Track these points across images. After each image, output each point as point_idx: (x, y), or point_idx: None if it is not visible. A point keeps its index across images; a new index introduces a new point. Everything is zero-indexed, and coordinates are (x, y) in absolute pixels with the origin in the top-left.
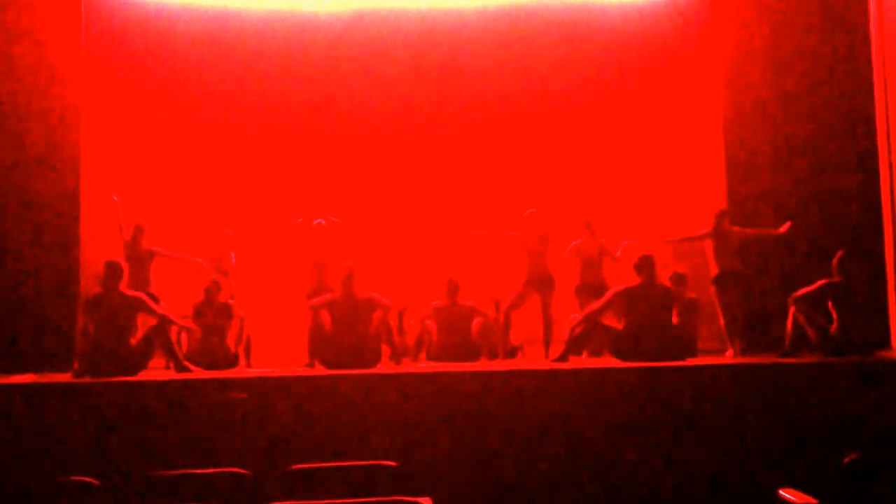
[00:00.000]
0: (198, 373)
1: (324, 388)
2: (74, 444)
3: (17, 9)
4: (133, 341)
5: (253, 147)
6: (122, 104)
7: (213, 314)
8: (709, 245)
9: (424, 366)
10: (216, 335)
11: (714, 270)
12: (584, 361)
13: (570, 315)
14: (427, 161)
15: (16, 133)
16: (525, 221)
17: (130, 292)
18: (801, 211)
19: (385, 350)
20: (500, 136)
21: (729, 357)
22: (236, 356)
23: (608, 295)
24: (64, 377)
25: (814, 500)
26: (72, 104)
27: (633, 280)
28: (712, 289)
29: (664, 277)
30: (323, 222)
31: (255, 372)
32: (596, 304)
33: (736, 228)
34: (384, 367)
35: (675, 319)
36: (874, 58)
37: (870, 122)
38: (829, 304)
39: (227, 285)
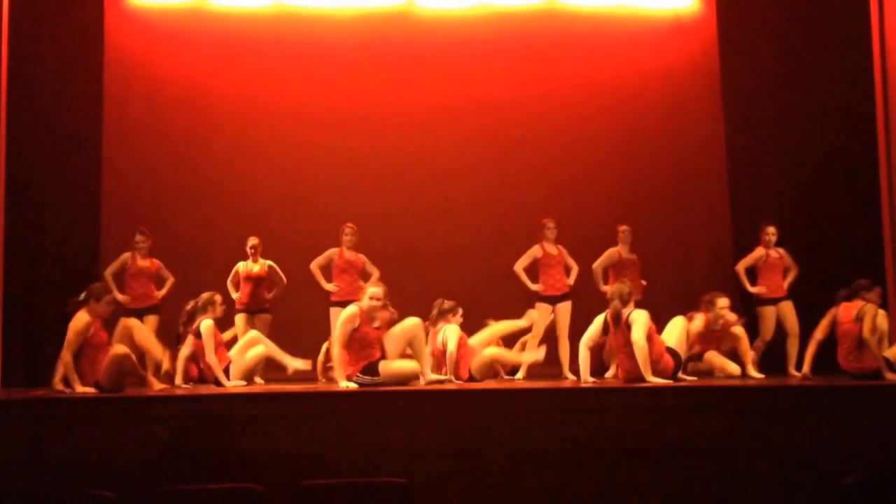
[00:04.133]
0: (209, 388)
1: (336, 404)
2: (90, 457)
3: (39, 28)
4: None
5: (267, 155)
6: (142, 119)
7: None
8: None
9: (437, 384)
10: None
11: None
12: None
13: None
14: (432, 170)
15: (32, 149)
16: (539, 233)
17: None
18: (802, 232)
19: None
20: (504, 147)
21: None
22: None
23: None
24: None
25: None
26: (94, 114)
27: None
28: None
29: None
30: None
31: (267, 388)
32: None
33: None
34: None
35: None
36: (877, 78)
37: (872, 143)
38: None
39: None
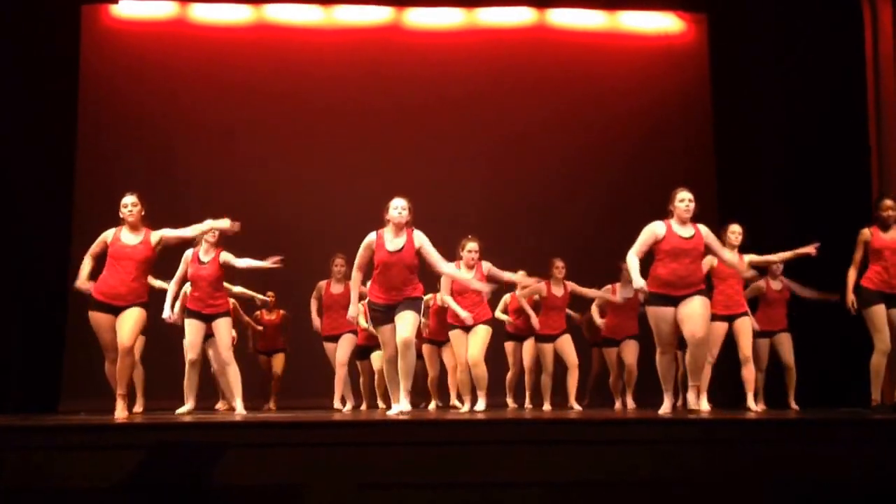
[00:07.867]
0: (180, 418)
1: (314, 434)
2: (56, 487)
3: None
4: None
5: (248, 173)
6: (118, 138)
7: None
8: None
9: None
10: None
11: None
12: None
13: None
14: (418, 187)
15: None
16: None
17: None
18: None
19: None
20: (489, 164)
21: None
22: None
23: None
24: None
25: None
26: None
27: None
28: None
29: None
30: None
31: (242, 417)
32: None
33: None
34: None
35: None
36: (870, 102)
37: (865, 168)
38: None
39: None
